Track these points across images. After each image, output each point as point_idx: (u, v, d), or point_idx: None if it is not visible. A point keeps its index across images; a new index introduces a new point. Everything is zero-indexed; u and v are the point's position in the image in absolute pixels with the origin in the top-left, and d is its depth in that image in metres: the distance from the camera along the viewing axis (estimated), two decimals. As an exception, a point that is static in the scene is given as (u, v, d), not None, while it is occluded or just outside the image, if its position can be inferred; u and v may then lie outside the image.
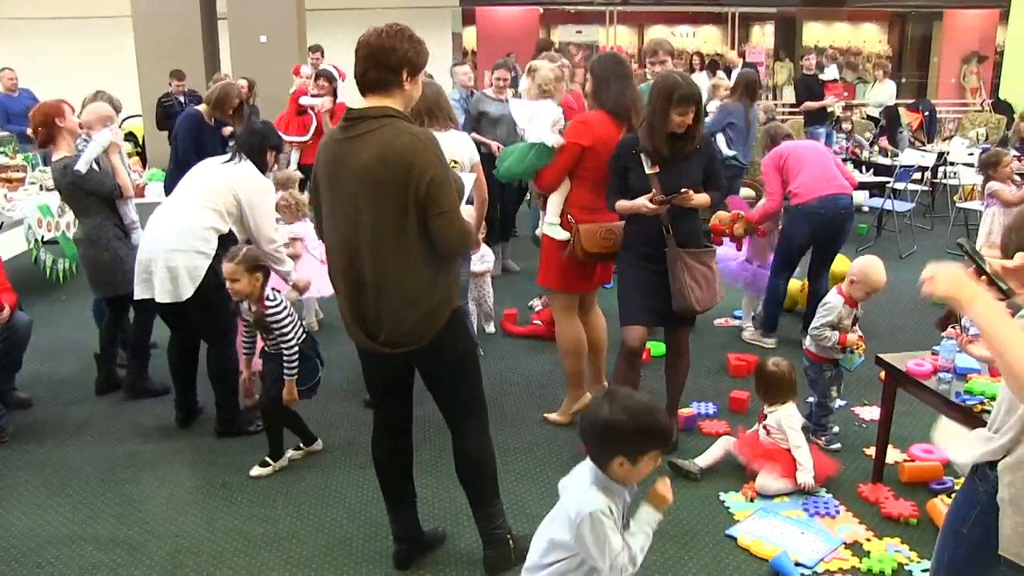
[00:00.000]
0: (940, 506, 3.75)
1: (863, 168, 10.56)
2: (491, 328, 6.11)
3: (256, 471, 4.15)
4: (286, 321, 4.03)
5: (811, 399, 4.50)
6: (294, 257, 5.74)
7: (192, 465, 4.30)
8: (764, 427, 4.10)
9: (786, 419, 4.03)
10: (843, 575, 3.40)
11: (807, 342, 4.45)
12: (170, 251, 4.26)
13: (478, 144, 7.43)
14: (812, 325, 4.38)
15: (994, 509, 1.84)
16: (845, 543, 3.59)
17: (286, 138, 7.71)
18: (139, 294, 4.44)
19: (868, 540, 3.62)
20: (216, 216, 4.36)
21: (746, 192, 8.25)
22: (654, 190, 3.97)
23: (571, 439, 4.51)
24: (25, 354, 4.93)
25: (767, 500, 3.93)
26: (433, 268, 3.01)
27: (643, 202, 3.97)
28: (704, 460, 4.16)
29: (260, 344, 4.24)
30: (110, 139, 5.00)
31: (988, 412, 3.33)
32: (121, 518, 3.81)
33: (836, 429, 4.50)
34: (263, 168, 4.62)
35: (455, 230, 2.98)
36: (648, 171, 4.00)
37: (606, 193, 4.15)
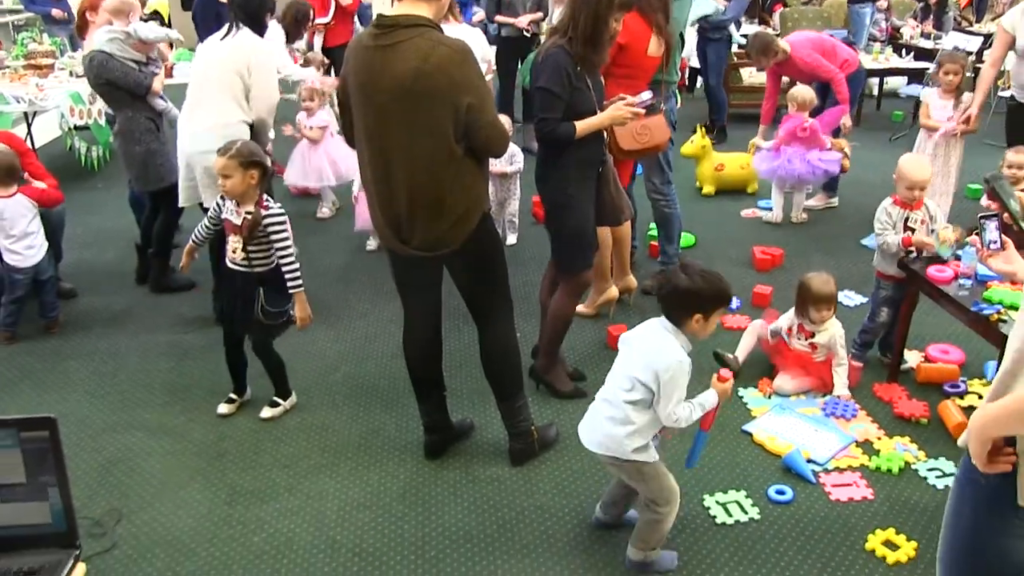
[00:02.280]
0: (951, 408, 3.86)
1: (903, 52, 10.31)
2: (512, 239, 5.85)
3: (267, 412, 3.95)
4: (286, 226, 3.64)
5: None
6: (314, 143, 5.84)
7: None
8: (809, 344, 4.10)
9: (839, 337, 4.07)
10: (852, 472, 3.55)
11: (875, 260, 4.31)
12: (204, 152, 4.26)
13: (501, 26, 7.41)
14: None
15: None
16: (856, 441, 3.73)
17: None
18: (184, 201, 4.54)
19: (879, 439, 3.75)
20: (239, 109, 4.37)
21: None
22: (595, 100, 3.68)
23: (597, 329, 4.65)
24: (65, 243, 5.09)
25: (784, 397, 4.06)
26: (466, 175, 3.08)
27: (628, 108, 3.66)
28: (741, 353, 4.25)
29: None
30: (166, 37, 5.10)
31: (1004, 322, 3.41)
32: (167, 406, 4.03)
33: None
34: (261, 30, 4.51)
35: (497, 137, 3.10)
36: (590, 85, 3.67)
37: (548, 119, 3.57)
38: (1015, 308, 3.50)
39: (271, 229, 3.59)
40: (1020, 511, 1.81)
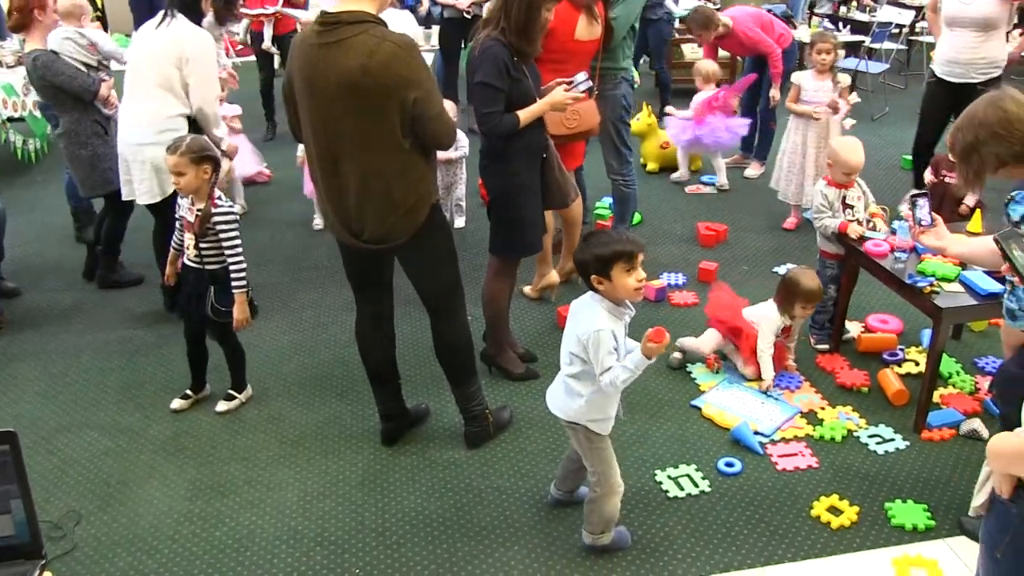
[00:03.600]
0: (890, 376, 4.02)
1: (840, 25, 10.48)
2: (460, 223, 5.86)
3: (222, 406, 3.95)
4: (235, 225, 3.61)
5: None
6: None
7: (183, 350, 4.45)
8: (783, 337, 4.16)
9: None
10: (798, 442, 3.68)
11: (818, 240, 4.42)
12: (140, 146, 4.24)
13: (444, 8, 7.42)
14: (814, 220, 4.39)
15: None
16: (801, 412, 3.86)
17: (251, 12, 7.49)
18: (125, 195, 4.49)
19: (822, 408, 3.89)
20: (176, 100, 4.27)
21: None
22: (533, 88, 3.70)
23: (547, 310, 4.74)
24: (6, 240, 5.01)
25: (731, 372, 4.18)
26: (414, 167, 3.12)
27: (567, 94, 3.67)
28: (709, 343, 4.23)
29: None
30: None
31: (937, 293, 3.56)
32: (121, 404, 4.02)
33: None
34: (198, 17, 4.37)
35: (444, 130, 3.13)
36: (527, 75, 3.68)
37: (491, 113, 3.56)
38: (947, 280, 3.65)
39: (220, 227, 3.56)
40: None
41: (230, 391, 3.98)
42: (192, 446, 3.71)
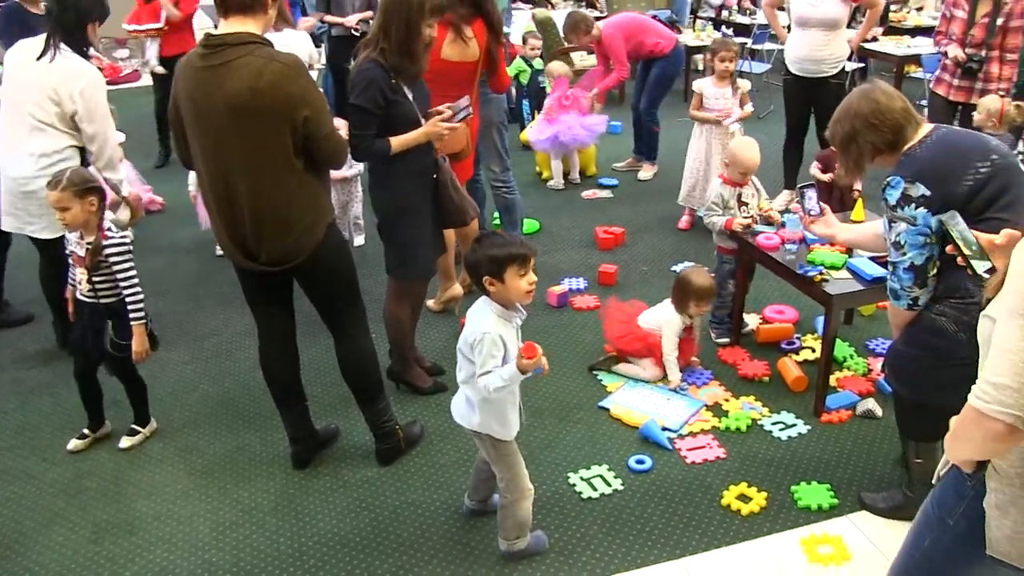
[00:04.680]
0: (789, 364, 4.16)
1: (722, 27, 10.79)
2: (360, 240, 5.85)
3: (126, 441, 3.82)
4: (129, 256, 3.48)
5: None
6: None
7: (81, 386, 4.34)
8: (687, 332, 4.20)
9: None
10: (705, 435, 3.77)
11: (714, 238, 4.53)
12: (31, 179, 4.08)
13: (332, 26, 7.38)
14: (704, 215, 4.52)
15: (981, 505, 1.81)
16: (706, 405, 3.96)
17: (138, 28, 7.28)
18: (7, 226, 4.30)
19: (726, 400, 4.00)
20: (63, 134, 4.06)
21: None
22: (416, 110, 3.63)
23: (452, 323, 4.75)
24: None
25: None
26: (308, 187, 3.10)
27: (443, 124, 3.60)
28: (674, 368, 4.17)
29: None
30: None
31: (827, 281, 3.70)
32: (15, 449, 3.86)
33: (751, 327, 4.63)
34: (84, 48, 4.11)
35: (337, 147, 3.13)
36: (410, 96, 3.61)
37: (362, 136, 3.49)
38: (835, 267, 3.80)
39: (112, 259, 3.45)
40: (985, 558, 1.83)
41: (133, 426, 3.86)
42: (95, 486, 3.59)
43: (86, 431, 3.85)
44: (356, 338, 3.49)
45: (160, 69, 7.23)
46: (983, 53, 5.71)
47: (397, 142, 3.52)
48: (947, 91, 5.95)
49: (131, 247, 3.54)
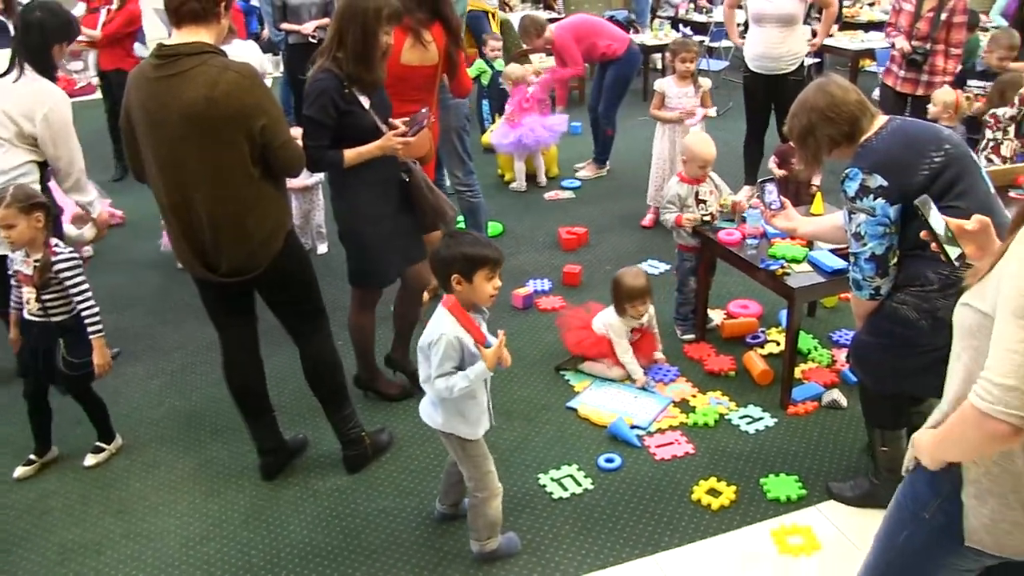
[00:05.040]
0: (754, 358, 4.20)
1: (679, 26, 10.87)
2: (323, 248, 5.83)
3: (91, 459, 3.76)
4: (80, 270, 3.41)
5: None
6: None
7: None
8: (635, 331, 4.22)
9: (652, 312, 4.24)
10: (673, 431, 3.79)
11: (674, 235, 4.53)
12: None
13: (288, 34, 7.35)
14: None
15: (959, 497, 1.81)
16: (674, 401, 3.98)
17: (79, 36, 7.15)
18: None
19: (694, 396, 4.02)
20: (22, 151, 3.92)
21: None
22: (378, 120, 3.57)
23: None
24: None
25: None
26: (266, 196, 3.08)
27: (396, 139, 3.50)
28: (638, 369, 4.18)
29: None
30: None
31: (788, 275, 3.73)
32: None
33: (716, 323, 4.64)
34: (50, 70, 3.96)
35: (294, 156, 3.11)
36: (366, 106, 3.54)
37: (314, 147, 3.40)
38: (796, 261, 3.84)
39: (64, 275, 3.37)
40: (963, 549, 1.84)
41: (97, 443, 3.81)
42: (60, 506, 3.54)
43: (32, 456, 3.76)
44: (319, 345, 3.48)
45: (96, 81, 7.07)
46: (928, 46, 5.85)
47: (351, 155, 3.46)
48: (895, 82, 6.10)
49: (80, 261, 3.47)
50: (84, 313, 3.44)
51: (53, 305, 3.44)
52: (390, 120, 3.67)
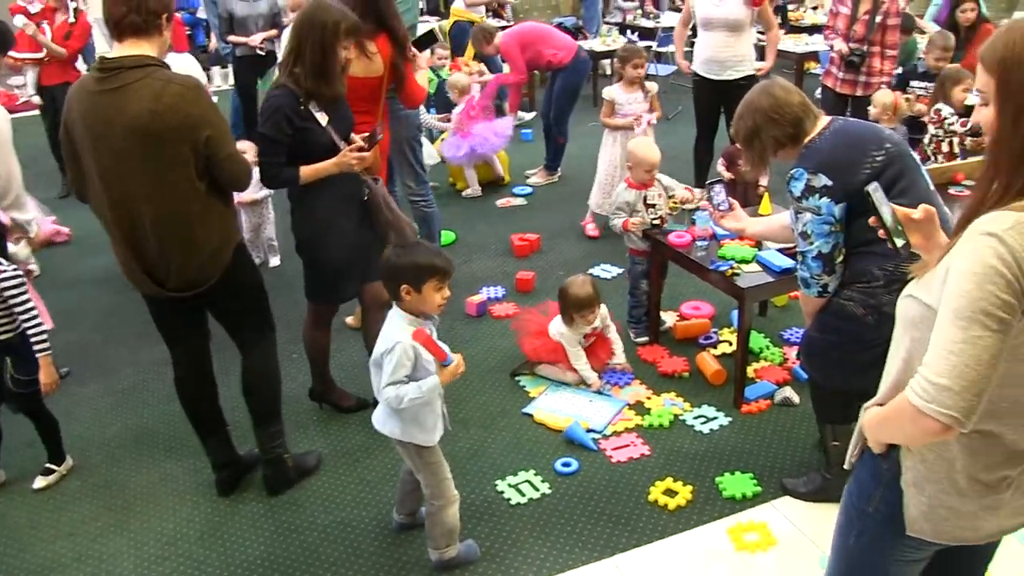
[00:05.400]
0: (707, 358, 4.24)
1: (627, 32, 10.94)
2: (275, 261, 5.77)
3: (40, 481, 3.70)
4: (24, 287, 3.36)
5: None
6: None
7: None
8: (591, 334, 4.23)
9: (606, 312, 4.25)
10: (629, 433, 3.82)
11: (624, 239, 4.56)
12: None
13: (236, 46, 7.31)
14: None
15: (899, 486, 1.84)
16: (629, 404, 4.01)
17: (15, 55, 7.03)
18: None
19: (648, 398, 4.05)
20: None
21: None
22: (336, 137, 3.51)
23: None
24: None
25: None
26: (213, 209, 3.06)
27: (352, 155, 3.46)
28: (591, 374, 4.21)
29: None
30: None
31: (738, 275, 3.78)
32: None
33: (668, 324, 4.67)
34: None
35: (240, 169, 3.08)
36: (323, 122, 3.47)
37: (268, 163, 3.42)
38: (746, 261, 3.89)
39: (7, 293, 3.32)
40: (908, 539, 1.86)
41: (48, 465, 3.74)
42: (8, 530, 3.47)
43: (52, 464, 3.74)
44: (261, 358, 3.46)
45: (37, 99, 6.98)
46: (865, 48, 5.99)
47: (307, 171, 3.43)
48: (835, 83, 6.24)
49: (24, 279, 3.41)
50: (29, 331, 3.37)
51: (8, 318, 3.39)
52: (352, 135, 3.63)
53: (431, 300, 2.76)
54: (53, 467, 3.74)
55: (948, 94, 5.33)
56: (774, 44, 6.29)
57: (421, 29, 8.41)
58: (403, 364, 2.72)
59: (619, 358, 4.30)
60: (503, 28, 7.74)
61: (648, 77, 9.35)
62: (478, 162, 6.96)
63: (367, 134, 3.61)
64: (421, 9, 11.55)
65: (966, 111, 5.30)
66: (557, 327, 4.20)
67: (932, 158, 5.35)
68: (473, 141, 6.67)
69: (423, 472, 2.95)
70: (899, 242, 1.91)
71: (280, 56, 5.52)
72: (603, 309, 4.26)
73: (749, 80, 5.98)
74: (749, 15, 5.87)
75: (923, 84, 6.04)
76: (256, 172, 3.39)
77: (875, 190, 1.95)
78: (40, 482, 3.70)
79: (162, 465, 3.82)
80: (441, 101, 7.73)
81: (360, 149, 3.48)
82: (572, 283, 4.10)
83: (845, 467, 2.03)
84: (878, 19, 5.91)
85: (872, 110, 5.39)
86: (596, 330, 4.22)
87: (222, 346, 3.48)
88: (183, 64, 5.59)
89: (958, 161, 4.97)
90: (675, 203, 4.40)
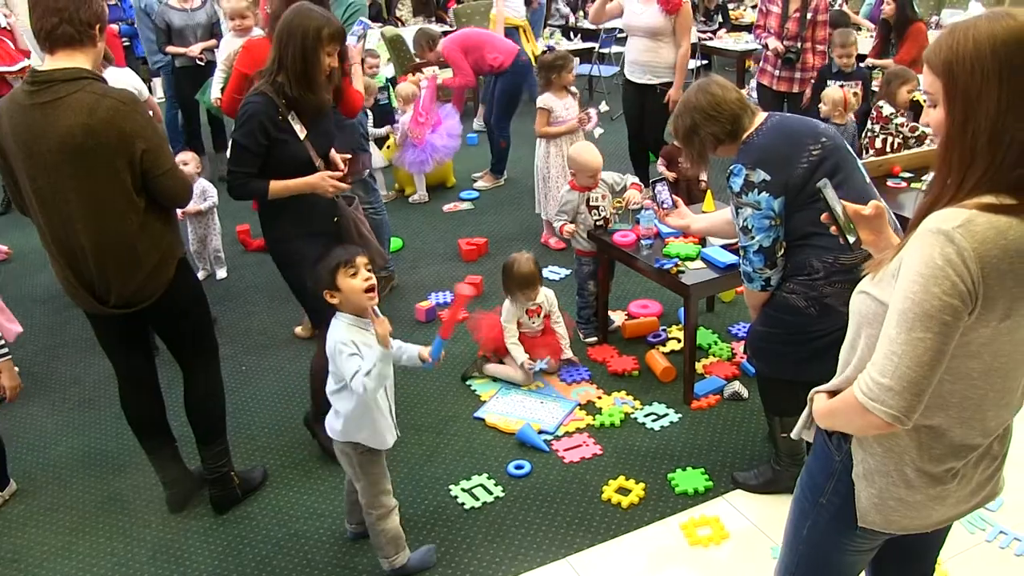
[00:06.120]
0: (656, 356, 4.27)
1: (571, 35, 11.00)
2: (222, 273, 5.67)
3: None
4: None
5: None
6: None
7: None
8: (537, 314, 4.28)
9: (552, 297, 4.33)
10: (581, 434, 3.84)
11: (573, 241, 4.57)
12: None
13: (175, 57, 7.21)
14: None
15: (850, 478, 1.86)
16: (580, 404, 4.03)
17: None
18: None
19: (599, 398, 4.08)
20: None
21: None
22: (314, 153, 3.37)
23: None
24: None
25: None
26: (153, 224, 3.00)
27: (331, 181, 3.33)
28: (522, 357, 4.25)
29: None
30: None
31: (683, 272, 3.81)
32: None
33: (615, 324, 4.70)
34: None
35: (178, 185, 3.01)
36: (301, 136, 3.32)
37: (237, 173, 3.27)
38: (690, 258, 3.93)
39: None
40: (859, 530, 1.88)
41: None
42: (-47, 556, 3.40)
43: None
44: (206, 375, 3.41)
45: None
46: (799, 45, 6.10)
47: (276, 186, 3.27)
48: (771, 81, 6.36)
49: None
50: None
51: None
52: (331, 152, 3.53)
53: (352, 287, 2.75)
54: None
55: (893, 93, 5.40)
56: (682, 62, 5.96)
57: (371, 38, 8.40)
58: (348, 357, 2.70)
59: (566, 353, 4.31)
60: (444, 34, 7.72)
61: (592, 78, 9.52)
62: (435, 168, 6.95)
63: (348, 156, 3.54)
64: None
65: (912, 109, 5.43)
66: (503, 308, 4.26)
67: (865, 152, 5.45)
68: (433, 151, 6.65)
69: (362, 480, 2.94)
70: (851, 237, 1.93)
71: (218, 65, 5.47)
72: (551, 296, 4.30)
73: (667, 87, 6.00)
74: (667, 24, 5.85)
75: (839, 83, 6.07)
76: (196, 185, 3.35)
77: (825, 186, 1.97)
78: None
79: (111, 484, 3.76)
80: (374, 109, 7.71)
81: (342, 178, 3.37)
82: (516, 260, 4.18)
83: (792, 436, 2.06)
84: (808, 15, 6.05)
85: (823, 107, 5.45)
86: (543, 313, 4.26)
87: (168, 360, 3.43)
88: (123, 78, 5.48)
89: (893, 155, 5.06)
90: (619, 202, 4.43)
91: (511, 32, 7.93)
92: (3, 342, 3.42)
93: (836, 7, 8.79)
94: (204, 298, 3.34)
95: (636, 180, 4.56)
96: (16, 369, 3.51)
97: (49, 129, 2.78)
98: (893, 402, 1.61)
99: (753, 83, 7.13)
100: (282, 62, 3.23)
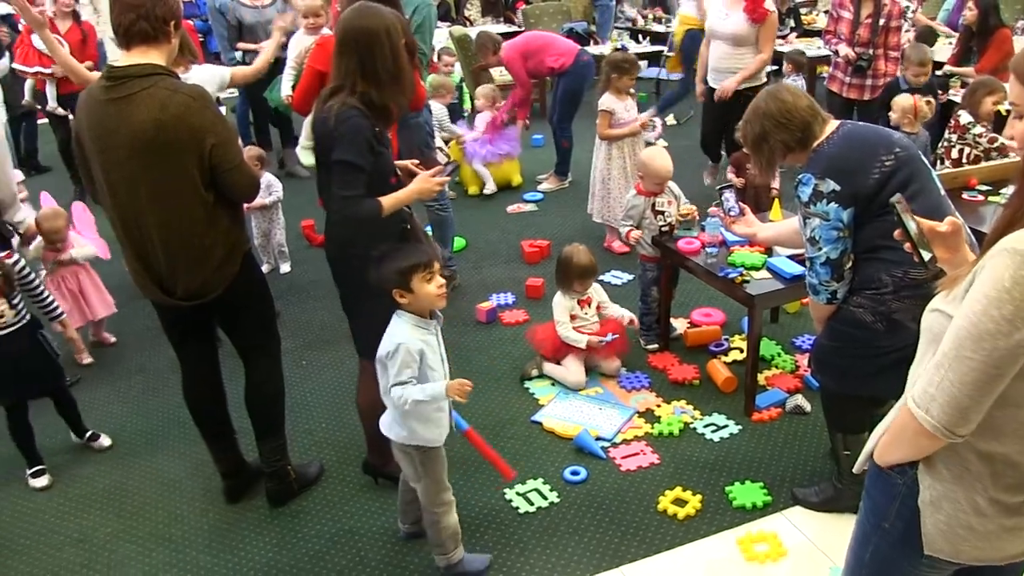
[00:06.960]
0: (718, 366, 4.21)
1: (639, 37, 10.94)
2: (286, 267, 5.74)
3: (42, 481, 3.77)
4: (29, 268, 3.87)
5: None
6: None
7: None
8: (591, 306, 4.31)
9: (600, 290, 4.39)
10: (638, 442, 3.79)
11: (637, 246, 4.55)
12: None
13: (246, 52, 7.32)
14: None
15: (915, 502, 1.79)
16: (638, 412, 3.98)
17: (27, 69, 7.08)
18: None
19: (658, 406, 4.03)
20: None
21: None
22: (393, 163, 3.23)
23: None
24: None
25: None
26: (221, 218, 3.04)
27: (435, 179, 3.20)
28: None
29: None
30: None
31: (747, 282, 3.75)
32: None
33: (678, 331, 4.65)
34: None
35: (246, 180, 3.05)
36: (386, 145, 3.13)
37: (351, 198, 2.95)
38: (756, 268, 3.86)
39: (20, 273, 3.74)
40: (924, 557, 1.82)
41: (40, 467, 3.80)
42: (18, 537, 3.47)
43: (43, 466, 3.83)
44: (268, 369, 3.44)
45: (61, 111, 7.05)
46: (871, 51, 5.99)
47: (388, 203, 3.01)
48: (841, 88, 6.25)
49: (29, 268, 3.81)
50: (45, 301, 3.95)
51: (21, 303, 3.68)
52: (400, 163, 3.37)
53: (426, 293, 2.75)
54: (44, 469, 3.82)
55: (977, 103, 5.20)
56: (755, 65, 5.98)
57: (438, 37, 8.45)
58: (408, 365, 2.71)
59: (618, 312, 4.34)
60: (512, 34, 7.73)
61: (660, 82, 9.45)
62: (497, 161, 7.11)
63: (414, 160, 3.46)
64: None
65: (996, 121, 5.24)
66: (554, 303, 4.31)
67: (940, 163, 5.30)
68: (496, 146, 7.02)
69: (424, 479, 2.93)
70: (925, 255, 1.87)
71: (288, 63, 5.53)
72: (596, 285, 4.35)
73: (750, 92, 5.91)
74: (752, 32, 5.87)
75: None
76: (261, 180, 3.39)
77: (899, 201, 1.91)
78: (41, 480, 3.76)
79: (171, 471, 3.82)
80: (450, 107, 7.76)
81: (437, 173, 3.24)
82: (573, 252, 4.24)
83: (854, 471, 2.00)
84: (881, 22, 5.92)
85: (892, 115, 5.32)
86: (594, 303, 4.29)
87: (231, 352, 3.48)
88: (206, 75, 5.56)
89: (970, 167, 4.91)
90: (684, 211, 4.37)
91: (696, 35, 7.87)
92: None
93: (911, 13, 8.59)
94: (268, 292, 3.37)
95: (693, 208, 4.47)
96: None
97: (122, 124, 2.83)
98: (937, 412, 1.59)
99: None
100: (365, 71, 2.98)
